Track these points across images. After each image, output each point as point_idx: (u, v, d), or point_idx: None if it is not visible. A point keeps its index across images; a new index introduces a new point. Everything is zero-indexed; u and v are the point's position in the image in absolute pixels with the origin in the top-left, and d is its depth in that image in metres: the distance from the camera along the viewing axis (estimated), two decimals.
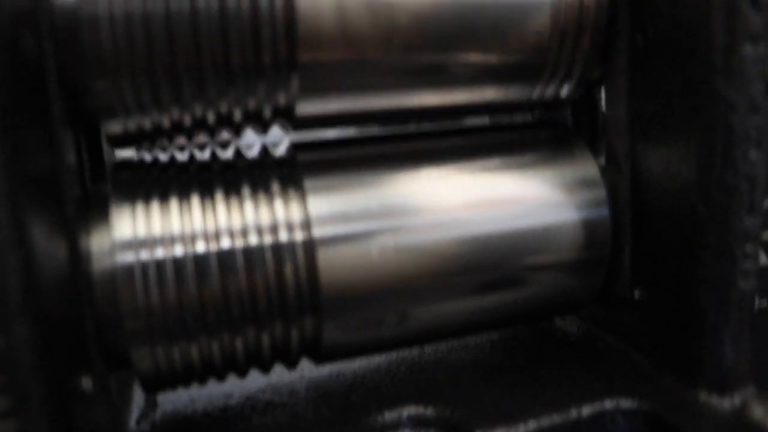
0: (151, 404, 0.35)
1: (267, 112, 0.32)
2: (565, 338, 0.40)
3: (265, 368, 0.34)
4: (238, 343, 0.31)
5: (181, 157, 0.33)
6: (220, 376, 0.33)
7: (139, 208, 0.30)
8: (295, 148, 0.34)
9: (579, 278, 0.36)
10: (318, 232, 0.31)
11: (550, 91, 0.36)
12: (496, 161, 0.36)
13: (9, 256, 0.23)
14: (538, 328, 0.41)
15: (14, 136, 0.23)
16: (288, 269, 0.31)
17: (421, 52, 0.32)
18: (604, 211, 0.36)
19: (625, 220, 0.35)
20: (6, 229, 0.22)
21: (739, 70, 0.29)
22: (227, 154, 0.34)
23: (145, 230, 0.29)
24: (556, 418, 0.32)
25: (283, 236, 0.30)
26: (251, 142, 0.35)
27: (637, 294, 0.35)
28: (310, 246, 0.31)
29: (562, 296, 0.37)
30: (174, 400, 0.35)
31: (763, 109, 0.29)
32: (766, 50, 0.29)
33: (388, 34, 0.31)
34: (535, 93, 0.36)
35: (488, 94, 0.35)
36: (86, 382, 0.28)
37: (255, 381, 0.36)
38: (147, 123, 0.30)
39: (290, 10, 0.29)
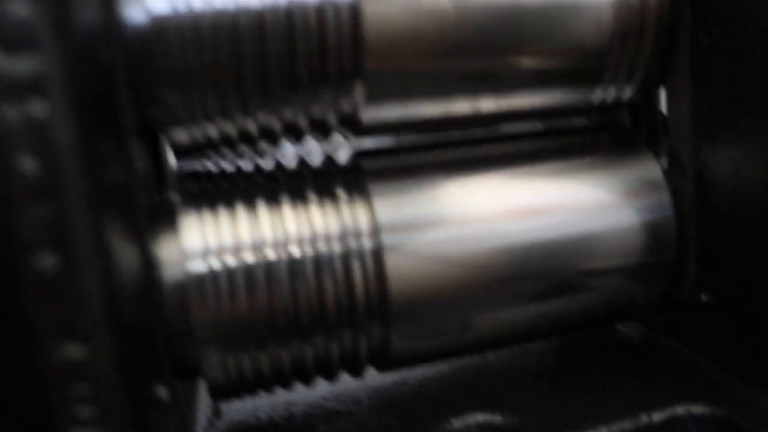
0: (216, 412, 0.35)
1: (331, 120, 0.32)
2: (628, 344, 0.39)
3: (332, 377, 0.33)
4: (307, 352, 0.31)
5: (246, 165, 0.33)
6: (288, 385, 0.33)
7: (207, 216, 0.30)
8: (358, 155, 0.34)
9: (643, 283, 0.36)
10: (386, 239, 0.31)
11: (611, 94, 0.36)
12: (557, 165, 0.35)
13: (91, 265, 0.23)
14: (599, 334, 0.41)
15: (92, 147, 0.23)
16: (357, 277, 0.31)
17: (483, 57, 0.32)
18: (669, 214, 0.35)
19: (690, 223, 0.35)
20: (88, 238, 0.23)
21: None
22: (288, 162, 0.34)
23: (214, 239, 0.30)
24: (626, 425, 0.32)
25: (352, 243, 0.30)
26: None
27: (704, 297, 0.35)
28: (379, 253, 0.31)
29: (625, 301, 0.36)
30: (238, 408, 0.35)
31: None
32: None
33: (451, 41, 0.31)
34: (596, 96, 0.36)
35: (549, 98, 0.35)
36: (161, 391, 0.28)
37: (318, 390, 0.36)
38: (212, 131, 0.31)
39: (356, 18, 0.29)
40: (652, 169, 0.36)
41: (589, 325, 0.39)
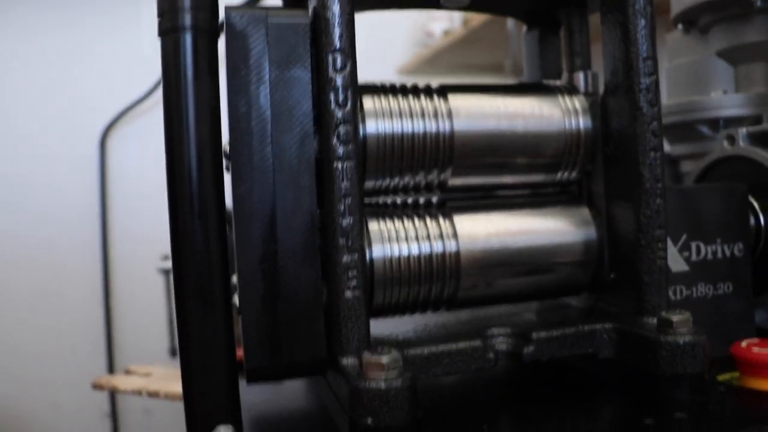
0: None
1: (434, 183, 0.68)
2: (576, 308, 0.75)
3: (426, 310, 0.68)
4: (419, 294, 0.66)
5: (390, 201, 0.69)
6: (406, 312, 0.67)
7: (381, 223, 0.66)
8: (443, 199, 0.70)
9: (581, 270, 0.71)
10: (462, 240, 0.66)
11: (564, 176, 0.72)
12: (539, 210, 0.72)
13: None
14: (561, 305, 0.76)
15: (360, 190, 0.59)
16: (447, 257, 0.66)
17: (509, 157, 0.69)
18: (593, 236, 0.71)
19: (604, 238, 0.71)
20: (357, 237, 0.58)
21: (650, 164, 0.65)
22: (411, 201, 0.70)
23: (386, 235, 0.65)
24: (569, 330, 0.66)
25: (447, 241, 0.66)
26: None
27: (612, 276, 0.70)
28: (457, 246, 0.66)
29: (573, 281, 0.72)
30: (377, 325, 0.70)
31: (662, 179, 0.65)
32: (662, 156, 0.65)
33: (494, 149, 0.68)
34: (557, 177, 0.72)
35: (536, 177, 0.72)
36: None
37: (422, 318, 0.71)
38: (383, 185, 0.67)
39: (452, 136, 0.65)
40: (585, 214, 0.72)
41: (555, 295, 0.74)
